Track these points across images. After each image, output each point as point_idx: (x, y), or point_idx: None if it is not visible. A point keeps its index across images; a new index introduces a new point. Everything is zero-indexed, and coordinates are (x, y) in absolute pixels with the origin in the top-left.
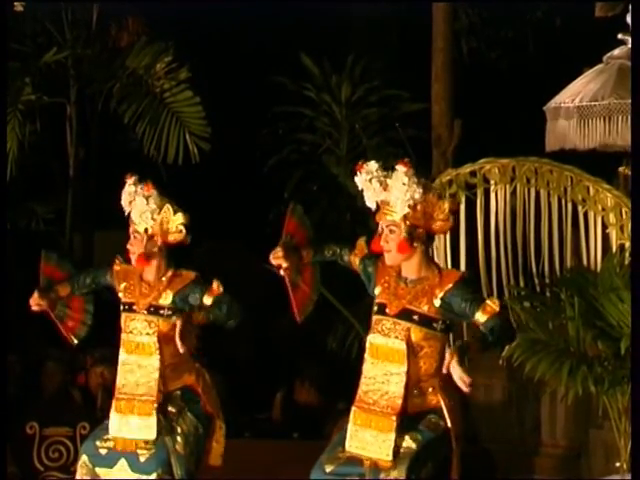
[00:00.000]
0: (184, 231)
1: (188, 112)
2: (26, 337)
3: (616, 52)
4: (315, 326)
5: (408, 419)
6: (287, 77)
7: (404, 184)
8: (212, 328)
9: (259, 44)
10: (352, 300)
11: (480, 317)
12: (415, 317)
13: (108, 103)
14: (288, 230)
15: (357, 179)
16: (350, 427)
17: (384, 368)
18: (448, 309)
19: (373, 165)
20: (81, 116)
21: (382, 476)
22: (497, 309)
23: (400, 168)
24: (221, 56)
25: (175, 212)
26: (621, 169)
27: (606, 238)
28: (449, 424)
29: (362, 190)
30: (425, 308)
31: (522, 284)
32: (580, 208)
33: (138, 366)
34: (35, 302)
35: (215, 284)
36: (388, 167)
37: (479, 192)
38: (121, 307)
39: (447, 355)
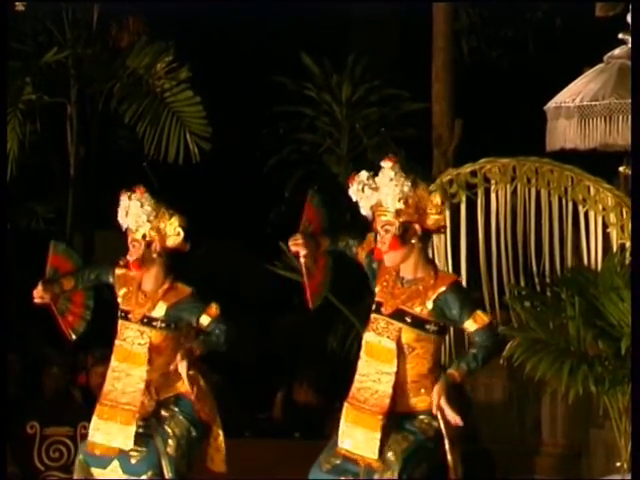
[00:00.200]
0: (182, 233)
1: (188, 112)
2: (26, 336)
3: (617, 52)
4: (316, 325)
5: (400, 419)
6: (287, 77)
7: (392, 179)
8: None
9: (259, 44)
10: (353, 300)
11: (470, 326)
12: (407, 318)
13: (109, 103)
14: (307, 217)
15: (350, 191)
16: (342, 424)
17: (376, 367)
18: (440, 312)
19: (363, 174)
20: (81, 116)
21: (376, 477)
22: (487, 320)
23: (386, 164)
24: (221, 56)
25: (171, 216)
26: (621, 169)
27: (607, 238)
28: (435, 411)
29: (357, 202)
30: (418, 309)
31: (522, 283)
32: (581, 208)
33: (126, 375)
34: (38, 295)
35: (214, 306)
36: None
37: (480, 192)
38: (119, 313)
39: (434, 394)
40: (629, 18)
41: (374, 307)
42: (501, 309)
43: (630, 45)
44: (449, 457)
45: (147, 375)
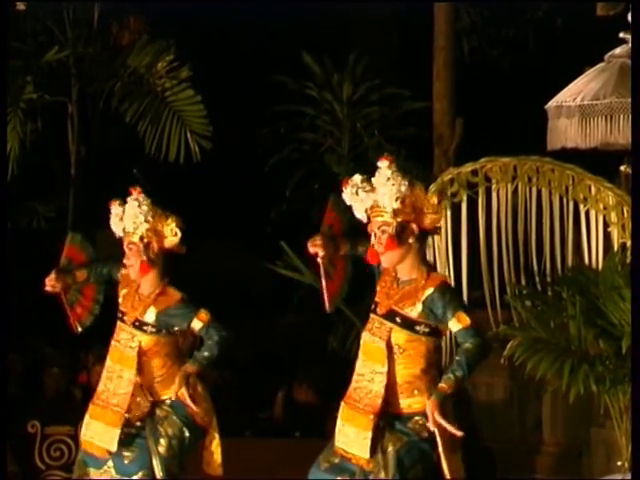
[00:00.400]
0: (179, 234)
1: (189, 111)
2: (27, 336)
3: (617, 51)
4: (316, 325)
5: (394, 420)
6: (288, 76)
7: (388, 178)
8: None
9: (260, 43)
10: (353, 299)
11: (453, 326)
12: (398, 319)
13: (109, 102)
14: (328, 223)
15: (344, 195)
16: (338, 422)
17: (371, 367)
18: (429, 313)
19: (357, 177)
20: (82, 115)
21: (371, 477)
22: (468, 322)
23: (382, 164)
24: (222, 55)
25: (167, 217)
26: (622, 168)
27: (607, 237)
28: (433, 427)
29: (351, 205)
30: (408, 310)
31: (523, 283)
32: (581, 207)
33: (118, 376)
34: (50, 283)
35: (203, 311)
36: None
37: (480, 191)
38: (118, 313)
39: (427, 411)
40: (630, 17)
41: (372, 307)
42: (502, 308)
43: (631, 44)
44: (443, 461)
45: (136, 379)
